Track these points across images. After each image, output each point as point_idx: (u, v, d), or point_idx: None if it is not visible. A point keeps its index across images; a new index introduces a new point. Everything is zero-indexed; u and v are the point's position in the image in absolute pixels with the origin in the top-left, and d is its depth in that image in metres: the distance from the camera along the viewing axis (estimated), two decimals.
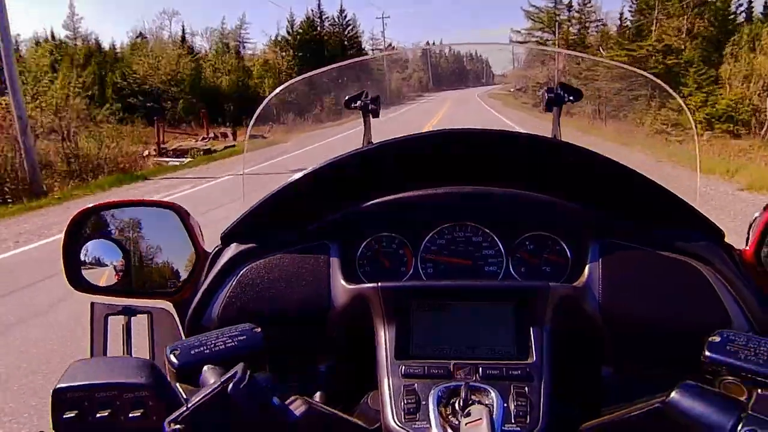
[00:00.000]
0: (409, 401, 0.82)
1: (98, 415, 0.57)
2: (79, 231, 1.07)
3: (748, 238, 0.98)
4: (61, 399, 0.57)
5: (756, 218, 0.97)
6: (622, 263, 0.94)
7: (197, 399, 0.50)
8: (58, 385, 0.57)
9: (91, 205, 1.09)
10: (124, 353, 1.16)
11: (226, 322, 1.00)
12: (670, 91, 1.42)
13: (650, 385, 0.93)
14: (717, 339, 0.66)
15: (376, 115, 1.19)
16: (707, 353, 0.65)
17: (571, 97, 1.14)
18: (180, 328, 1.12)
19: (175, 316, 1.13)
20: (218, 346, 0.69)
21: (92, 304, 1.16)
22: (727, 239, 0.99)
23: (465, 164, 1.04)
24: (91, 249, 1.08)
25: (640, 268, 0.94)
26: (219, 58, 39.42)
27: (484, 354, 0.89)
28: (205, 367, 0.63)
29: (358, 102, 1.17)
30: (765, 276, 0.92)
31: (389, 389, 0.85)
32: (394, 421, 0.80)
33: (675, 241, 0.96)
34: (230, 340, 0.70)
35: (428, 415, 0.80)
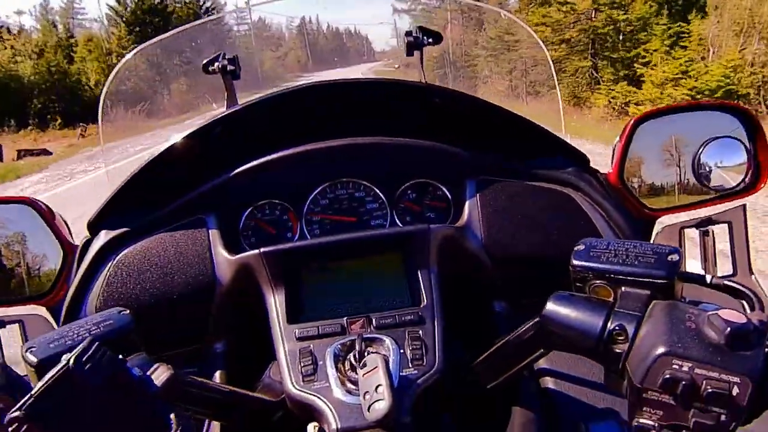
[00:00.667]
0: (306, 363, 0.80)
1: None
2: None
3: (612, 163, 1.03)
4: None
5: (617, 142, 1.02)
6: (497, 198, 0.97)
7: (41, 384, 0.45)
8: None
9: None
10: None
11: None
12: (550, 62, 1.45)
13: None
14: (581, 247, 0.68)
15: (236, 76, 1.13)
16: (574, 261, 0.67)
17: (430, 39, 1.14)
18: None
19: (51, 320, 1.04)
20: (81, 335, 0.63)
21: None
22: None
23: (335, 118, 1.01)
24: None
25: (515, 200, 0.96)
26: (27, 40, 29.02)
27: (378, 306, 0.89)
28: (63, 357, 0.57)
29: (216, 64, 1.11)
30: (627, 194, 0.98)
31: (285, 355, 0.82)
32: (293, 386, 0.78)
33: (545, 170, 0.99)
34: (95, 327, 0.65)
35: (326, 374, 0.79)
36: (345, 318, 0.86)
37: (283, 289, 0.89)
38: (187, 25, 1.17)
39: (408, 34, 1.13)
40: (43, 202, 0.98)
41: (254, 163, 0.97)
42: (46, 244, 0.99)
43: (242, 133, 0.99)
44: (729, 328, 0.51)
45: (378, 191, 1.03)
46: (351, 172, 1.02)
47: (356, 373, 0.78)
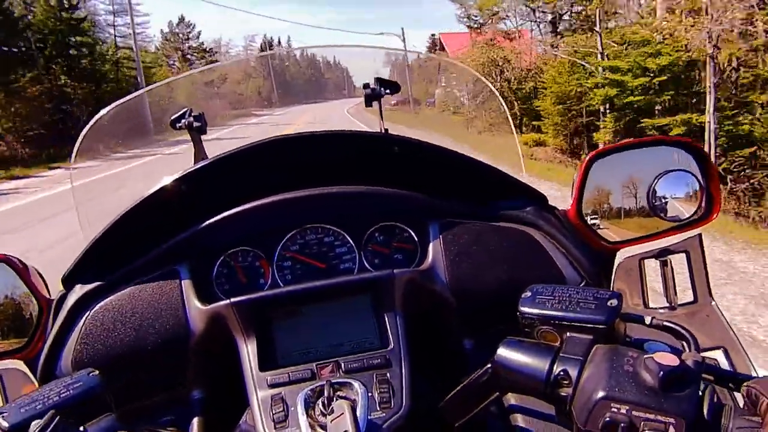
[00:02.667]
0: (277, 410, 0.82)
1: None
2: None
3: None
4: None
5: (574, 179, 1.06)
6: (459, 238, 1.00)
7: None
8: None
9: None
10: None
11: (82, 369, 0.94)
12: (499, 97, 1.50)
13: None
14: (528, 294, 0.71)
15: (202, 131, 1.17)
16: (521, 308, 0.70)
17: (387, 90, 1.19)
18: (37, 386, 1.04)
19: (29, 374, 1.05)
20: (52, 399, 0.65)
21: None
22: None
23: (302, 167, 1.05)
24: None
25: (477, 240, 1.00)
26: None
27: (348, 350, 0.91)
28: (33, 424, 0.59)
29: (183, 121, 1.14)
30: (586, 229, 1.01)
31: (258, 403, 0.84)
32: None
33: (505, 210, 1.02)
34: (65, 390, 0.66)
35: (297, 421, 0.80)
36: (314, 363, 0.88)
37: (254, 337, 0.91)
38: (153, 86, 1.21)
39: (366, 86, 1.18)
40: (18, 258, 1.00)
41: (224, 214, 1.00)
42: (22, 298, 1.01)
43: (212, 185, 1.02)
44: (662, 372, 0.54)
45: (346, 235, 1.05)
46: (319, 218, 1.05)
47: (326, 419, 0.80)
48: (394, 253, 1.06)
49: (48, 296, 1.02)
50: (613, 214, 1.05)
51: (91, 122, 1.15)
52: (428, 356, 0.98)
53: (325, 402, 0.79)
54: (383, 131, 1.14)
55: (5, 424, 0.62)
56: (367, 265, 1.05)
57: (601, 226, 1.05)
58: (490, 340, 1.01)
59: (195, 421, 0.95)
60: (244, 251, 1.05)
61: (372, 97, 1.18)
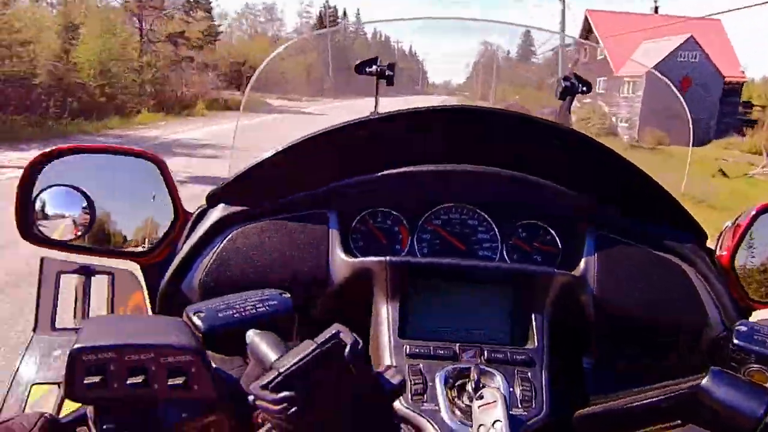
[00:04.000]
0: (416, 381, 0.80)
1: (129, 382, 0.49)
2: (37, 175, 0.94)
3: (717, 246, 1.04)
4: (80, 361, 0.49)
5: (727, 227, 1.04)
6: (616, 257, 0.97)
7: (292, 364, 0.45)
8: (78, 345, 0.49)
9: (51, 149, 0.96)
10: (76, 318, 1.05)
11: (209, 290, 0.92)
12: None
13: (626, 376, 0.98)
14: (743, 328, 0.69)
15: (390, 82, 1.14)
16: (736, 341, 0.68)
17: (584, 88, 1.17)
18: (145, 293, 1.02)
19: (141, 280, 1.02)
20: (248, 310, 0.62)
21: (42, 259, 1.03)
22: None
23: (469, 143, 1.02)
24: (50, 197, 0.94)
25: (632, 263, 0.97)
26: None
27: (480, 338, 0.89)
28: (251, 332, 0.56)
29: (373, 67, 1.12)
30: (737, 282, 0.99)
31: None
32: (401, 402, 0.77)
33: (663, 237, 1.00)
34: (260, 305, 0.64)
35: (436, 397, 0.79)
36: (457, 344, 0.86)
37: (398, 301, 0.89)
38: (334, 28, 1.18)
39: (565, 79, 1.15)
40: (165, 163, 0.97)
41: (390, 172, 0.98)
42: (158, 204, 0.98)
43: (379, 140, 0.99)
44: None
45: (492, 223, 1.03)
46: (470, 198, 1.03)
47: (464, 402, 0.78)
48: (534, 253, 1.03)
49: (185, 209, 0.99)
50: (759, 271, 1.03)
51: (265, 62, 1.14)
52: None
53: (473, 386, 0.78)
54: (570, 128, 1.11)
55: (201, 325, 0.60)
56: (506, 257, 1.02)
57: (744, 279, 1.03)
58: (610, 363, 1.00)
59: None
60: (385, 213, 1.03)
61: (567, 91, 1.16)
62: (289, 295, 0.69)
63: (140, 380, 0.49)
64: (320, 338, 0.47)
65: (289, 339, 0.66)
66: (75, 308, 1.04)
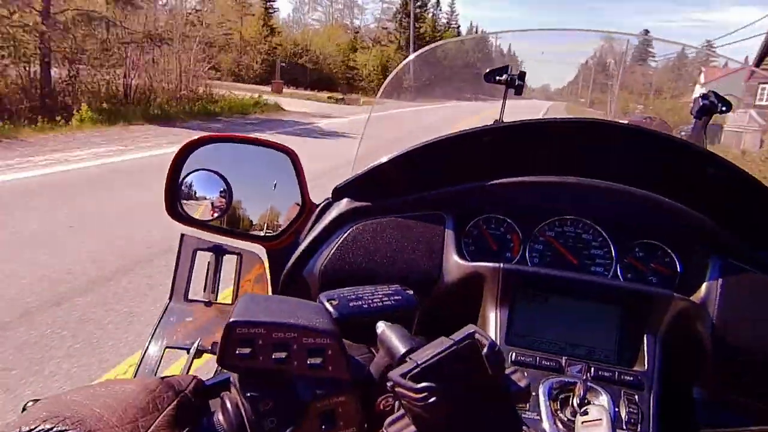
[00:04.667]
0: None
1: (274, 357, 0.54)
2: (185, 159, 1.04)
3: None
4: (235, 333, 0.54)
5: None
6: (741, 287, 0.92)
7: (428, 357, 0.47)
8: (234, 318, 0.54)
9: (201, 136, 1.06)
10: (206, 291, 1.14)
11: (328, 278, 0.97)
12: None
13: (742, 412, 0.92)
14: None
15: (519, 92, 1.15)
16: None
17: (724, 108, 1.11)
18: (268, 275, 1.10)
19: (266, 263, 1.10)
20: (376, 302, 0.66)
21: (182, 235, 1.14)
22: None
23: (591, 156, 1.00)
24: (194, 179, 1.04)
25: (757, 294, 0.91)
26: None
27: (583, 354, 0.87)
28: (381, 323, 0.60)
29: (504, 76, 1.13)
30: None
31: None
32: None
33: None
34: (386, 298, 0.67)
35: (539, 407, 0.79)
36: (564, 357, 0.85)
37: (507, 307, 0.90)
38: (469, 36, 1.21)
39: (704, 97, 1.10)
40: (296, 154, 1.04)
41: (510, 180, 0.98)
42: (288, 193, 1.05)
43: (502, 148, 1.00)
44: None
45: (608, 239, 1.00)
46: (587, 212, 1.01)
47: (567, 416, 0.77)
48: (649, 274, 0.99)
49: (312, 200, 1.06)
50: None
51: (402, 64, 1.18)
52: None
53: (577, 401, 0.77)
54: (704, 147, 1.06)
55: (335, 313, 0.64)
56: (620, 275, 0.99)
57: None
58: (723, 398, 0.94)
59: None
60: (500, 219, 1.03)
61: (706, 110, 1.11)
62: (413, 292, 0.71)
63: (283, 356, 0.54)
64: (456, 336, 0.49)
65: (412, 333, 0.69)
66: (206, 282, 1.13)
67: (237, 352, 0.54)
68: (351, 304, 0.65)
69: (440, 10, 70.01)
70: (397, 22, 56.48)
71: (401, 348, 0.54)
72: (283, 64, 37.10)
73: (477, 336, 0.48)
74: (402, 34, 53.96)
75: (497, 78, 1.12)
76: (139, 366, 1.06)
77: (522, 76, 1.12)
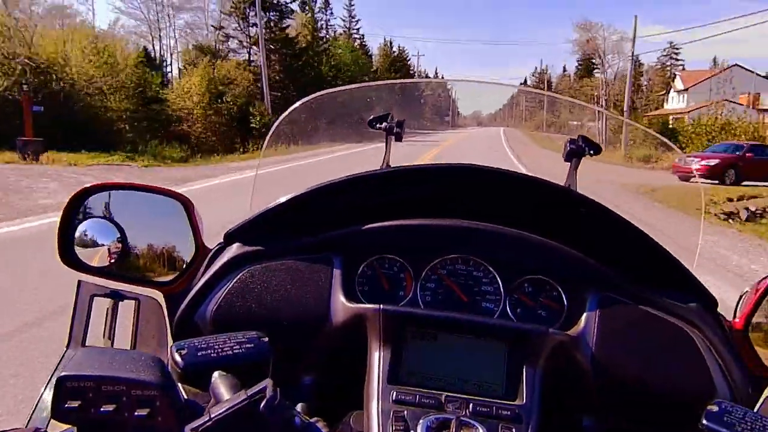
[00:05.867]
0: (398, 428, 0.82)
1: (102, 409, 0.55)
2: (78, 207, 1.05)
3: (735, 311, 1.01)
4: (65, 387, 0.55)
5: (747, 292, 1.00)
6: (617, 318, 0.96)
7: (221, 411, 0.50)
8: (64, 373, 0.56)
9: (92, 184, 1.07)
10: (105, 337, 1.13)
11: (220, 322, 0.98)
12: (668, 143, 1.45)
13: None
14: (715, 409, 0.68)
15: (399, 138, 1.20)
16: (705, 422, 0.67)
17: (591, 151, 1.17)
18: (167, 320, 1.10)
19: (164, 307, 1.11)
20: (225, 351, 0.68)
21: (79, 282, 1.13)
22: None
23: (475, 199, 1.05)
24: (88, 227, 1.05)
25: (634, 325, 0.96)
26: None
27: (472, 389, 0.90)
28: (216, 374, 0.62)
29: (384, 123, 1.18)
30: (751, 351, 0.95)
31: (378, 413, 0.85)
32: None
33: (669, 299, 0.98)
34: (237, 347, 0.69)
35: None
36: (444, 394, 0.87)
37: (390, 348, 0.92)
38: (363, 84, 1.26)
39: (572, 141, 1.17)
40: (190, 201, 1.06)
41: (396, 222, 1.02)
42: (182, 238, 1.07)
43: (388, 191, 1.04)
44: None
45: (497, 276, 1.04)
46: (476, 251, 1.05)
47: None
48: (538, 308, 1.04)
49: (205, 245, 1.07)
50: None
51: (283, 115, 1.22)
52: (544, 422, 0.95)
53: None
54: (574, 189, 1.12)
55: (181, 362, 0.66)
56: (509, 311, 1.03)
57: (758, 348, 0.99)
58: (611, 424, 0.98)
59: (300, 406, 0.97)
60: (392, 260, 1.06)
61: (573, 153, 1.17)
62: (267, 339, 0.74)
63: (112, 408, 0.55)
64: (251, 390, 0.51)
65: (264, 378, 0.71)
66: (104, 328, 1.13)
67: (67, 405, 0.55)
68: (199, 354, 0.67)
69: (330, 13, 56.06)
70: (239, 18, 36.90)
71: (223, 398, 0.56)
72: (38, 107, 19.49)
73: (267, 390, 0.51)
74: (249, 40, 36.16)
75: (377, 126, 1.17)
76: (33, 412, 1.04)
77: (400, 124, 1.17)
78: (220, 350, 0.68)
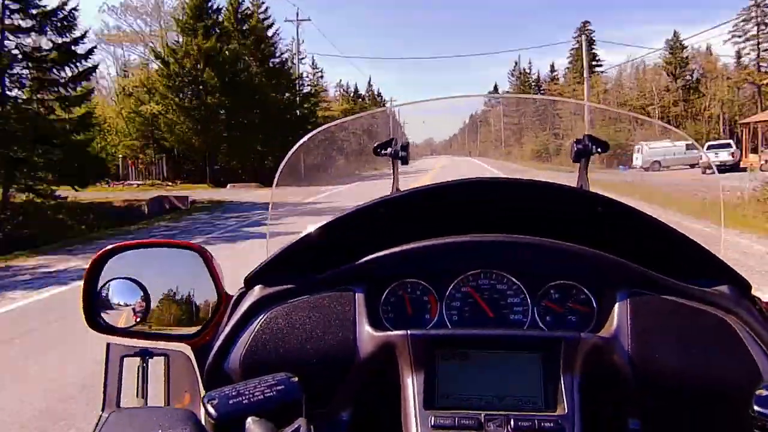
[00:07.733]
0: None
1: None
2: (99, 271, 1.06)
3: None
4: None
5: None
6: (649, 313, 0.95)
7: None
8: None
9: (112, 246, 1.09)
10: (138, 396, 1.14)
11: (249, 367, 0.98)
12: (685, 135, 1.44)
13: None
14: (765, 393, 0.66)
15: (405, 162, 1.21)
16: (756, 407, 0.65)
17: (599, 149, 1.17)
18: (197, 372, 1.10)
19: (193, 360, 1.11)
20: (257, 396, 0.68)
21: (108, 344, 1.14)
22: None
23: (491, 212, 1.04)
24: (111, 289, 1.07)
25: (668, 318, 0.94)
26: None
27: (511, 404, 0.88)
28: (249, 419, 0.61)
29: (388, 149, 1.19)
30: None
31: None
32: None
33: (701, 291, 0.96)
34: (268, 390, 0.69)
35: None
36: (482, 413, 0.86)
37: (422, 372, 0.91)
38: (364, 114, 1.28)
39: (578, 141, 1.17)
40: (208, 251, 1.07)
41: (412, 246, 1.02)
42: (204, 289, 1.08)
43: (401, 216, 1.04)
44: None
45: (522, 287, 1.03)
46: (498, 264, 1.04)
47: None
48: (567, 314, 1.02)
49: (227, 292, 1.08)
50: None
51: (293, 149, 1.23)
52: (589, 428, 0.93)
53: None
54: (587, 188, 1.12)
55: (214, 413, 0.66)
56: (538, 320, 1.02)
57: None
58: (660, 424, 0.95)
59: None
60: (415, 283, 1.06)
61: (582, 153, 1.17)
62: (297, 379, 0.73)
63: None
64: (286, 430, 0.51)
65: (298, 419, 0.70)
66: (137, 387, 1.13)
67: None
68: (231, 402, 0.67)
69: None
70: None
71: None
72: None
73: (301, 430, 0.50)
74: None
75: (382, 152, 1.18)
76: None
77: (405, 147, 1.18)
78: (251, 396, 0.68)
